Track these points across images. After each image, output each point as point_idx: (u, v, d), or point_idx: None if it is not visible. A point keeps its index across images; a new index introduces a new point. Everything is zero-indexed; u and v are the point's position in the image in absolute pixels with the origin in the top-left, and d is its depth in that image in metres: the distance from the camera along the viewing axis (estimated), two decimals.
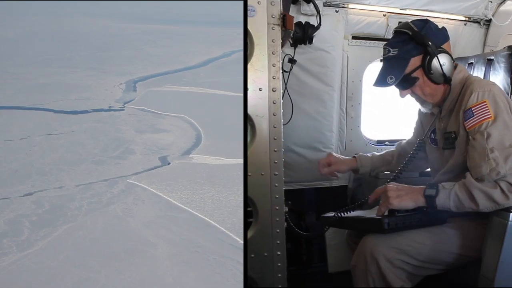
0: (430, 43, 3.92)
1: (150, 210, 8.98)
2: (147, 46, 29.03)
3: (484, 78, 5.00)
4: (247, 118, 3.46)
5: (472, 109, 3.74)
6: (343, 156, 5.15)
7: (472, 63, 5.29)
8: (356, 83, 5.77)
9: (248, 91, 3.42)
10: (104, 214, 8.73)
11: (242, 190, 9.79)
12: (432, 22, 4.10)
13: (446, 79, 3.97)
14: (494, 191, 3.49)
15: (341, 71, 5.60)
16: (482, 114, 3.68)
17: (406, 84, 4.05)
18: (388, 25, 5.57)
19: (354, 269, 3.95)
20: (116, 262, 7.32)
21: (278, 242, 3.60)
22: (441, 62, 3.93)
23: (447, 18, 5.75)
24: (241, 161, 11.32)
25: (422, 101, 4.19)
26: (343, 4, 5.36)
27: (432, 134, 4.36)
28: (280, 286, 3.67)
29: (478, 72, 5.17)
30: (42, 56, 24.36)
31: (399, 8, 5.54)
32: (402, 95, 4.19)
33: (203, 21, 45.05)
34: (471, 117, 3.74)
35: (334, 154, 5.15)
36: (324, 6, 5.23)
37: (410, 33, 3.97)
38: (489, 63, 5.02)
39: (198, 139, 12.96)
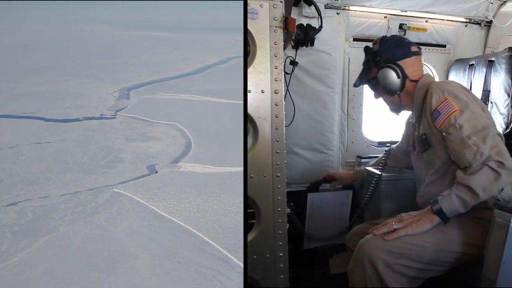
0: (378, 58, 4.25)
1: (134, 219, 8.90)
2: (145, 53, 29.11)
3: (485, 79, 5.11)
4: (246, 121, 3.49)
5: (438, 108, 3.94)
6: (342, 172, 5.50)
7: (473, 64, 5.33)
8: None
9: (251, 93, 3.46)
10: (87, 224, 8.65)
11: (228, 199, 9.72)
12: (394, 39, 4.37)
13: (390, 91, 4.26)
14: (485, 175, 3.63)
15: (342, 73, 5.62)
16: (448, 109, 3.88)
17: (373, 88, 4.45)
18: (389, 27, 5.60)
19: (352, 274, 3.97)
20: (95, 273, 7.23)
21: (280, 243, 3.68)
22: (382, 76, 4.24)
23: (448, 20, 5.77)
24: (230, 169, 11.27)
25: (387, 104, 4.52)
26: (344, 6, 5.39)
27: (414, 142, 4.47)
28: (282, 287, 3.72)
29: (479, 73, 5.20)
30: (39, 64, 24.47)
31: (400, 10, 5.56)
32: (375, 97, 4.53)
33: (203, 27, 45.23)
34: (438, 116, 3.93)
35: (339, 172, 5.54)
36: (325, 8, 5.27)
37: (371, 47, 4.36)
38: (490, 64, 5.06)
39: (188, 147, 12.89)
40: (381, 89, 4.34)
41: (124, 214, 9.08)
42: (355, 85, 4.53)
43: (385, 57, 4.25)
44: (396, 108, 4.44)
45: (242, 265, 7.55)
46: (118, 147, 12.65)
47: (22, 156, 11.74)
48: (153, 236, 8.36)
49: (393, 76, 4.22)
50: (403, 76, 4.22)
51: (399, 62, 4.22)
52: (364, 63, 4.45)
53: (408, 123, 4.78)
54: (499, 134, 3.85)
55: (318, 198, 5.55)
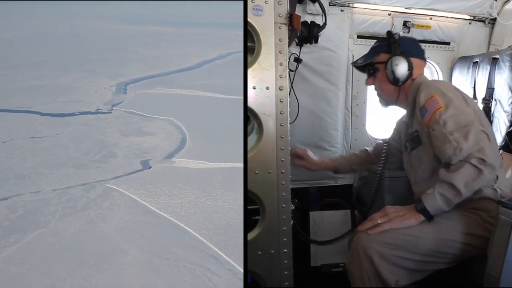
0: (397, 46, 4.38)
1: (125, 215, 8.84)
2: (143, 48, 29.01)
3: (489, 77, 5.13)
4: (246, 117, 3.52)
5: (425, 105, 4.06)
6: (316, 158, 5.38)
7: (477, 62, 5.33)
8: (361, 82, 5.79)
9: (255, 90, 3.50)
10: (77, 219, 8.59)
11: (221, 195, 9.66)
12: (415, 39, 4.65)
13: (395, 79, 4.36)
14: (467, 172, 3.68)
15: (346, 70, 5.65)
16: (434, 106, 3.99)
17: (371, 71, 4.57)
18: (393, 24, 5.62)
19: (350, 267, 4.00)
20: (83, 269, 7.18)
21: (285, 239, 3.73)
22: (395, 62, 4.35)
23: (452, 17, 5.78)
24: (224, 165, 11.21)
25: (378, 94, 4.62)
26: (348, 3, 5.42)
27: (406, 142, 4.55)
28: (286, 283, 3.77)
29: (483, 71, 5.19)
30: (36, 58, 24.37)
31: (404, 7, 5.58)
32: (367, 83, 4.67)
33: (203, 22, 45.04)
34: (426, 113, 4.06)
35: (310, 153, 5.39)
36: (329, 5, 5.32)
37: (394, 34, 4.54)
38: (494, 62, 5.06)
39: (183, 143, 12.82)
40: (382, 76, 4.44)
41: (115, 209, 9.02)
42: (355, 63, 4.60)
43: (403, 48, 4.41)
44: (389, 100, 4.55)
45: (232, 262, 7.52)
46: (112, 142, 12.59)
47: (16, 150, 11.69)
48: (143, 232, 8.31)
49: (404, 66, 4.36)
50: (410, 72, 4.36)
51: (412, 59, 4.38)
52: (375, 47, 4.55)
53: (400, 122, 4.88)
54: (484, 131, 3.86)
55: (319, 216, 5.73)
